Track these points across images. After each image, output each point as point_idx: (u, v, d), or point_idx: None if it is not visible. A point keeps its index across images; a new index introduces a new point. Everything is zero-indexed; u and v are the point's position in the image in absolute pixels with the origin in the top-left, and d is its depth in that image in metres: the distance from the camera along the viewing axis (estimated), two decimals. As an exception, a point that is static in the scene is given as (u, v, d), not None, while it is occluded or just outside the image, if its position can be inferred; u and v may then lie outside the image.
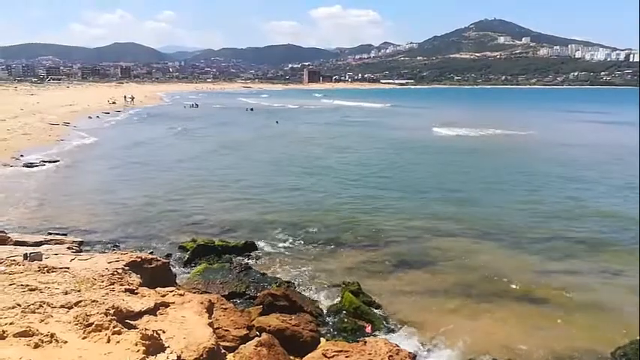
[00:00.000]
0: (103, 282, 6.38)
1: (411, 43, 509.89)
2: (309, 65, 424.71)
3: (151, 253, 11.66)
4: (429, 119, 60.60)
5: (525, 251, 13.75)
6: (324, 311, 9.87)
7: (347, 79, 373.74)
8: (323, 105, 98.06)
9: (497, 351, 8.63)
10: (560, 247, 14.03)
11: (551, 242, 14.48)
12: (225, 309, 8.48)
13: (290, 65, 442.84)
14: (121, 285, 6.37)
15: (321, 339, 8.48)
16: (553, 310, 10.23)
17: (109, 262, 8.26)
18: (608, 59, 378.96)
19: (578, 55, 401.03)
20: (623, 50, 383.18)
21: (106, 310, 4.92)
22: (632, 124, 51.87)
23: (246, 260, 12.60)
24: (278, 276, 11.58)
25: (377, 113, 74.75)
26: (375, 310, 9.94)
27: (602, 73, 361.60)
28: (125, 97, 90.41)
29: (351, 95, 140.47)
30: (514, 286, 11.35)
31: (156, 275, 8.90)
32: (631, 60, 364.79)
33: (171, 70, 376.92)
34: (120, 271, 7.50)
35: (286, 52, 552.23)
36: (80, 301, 5.33)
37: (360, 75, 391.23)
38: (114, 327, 4.57)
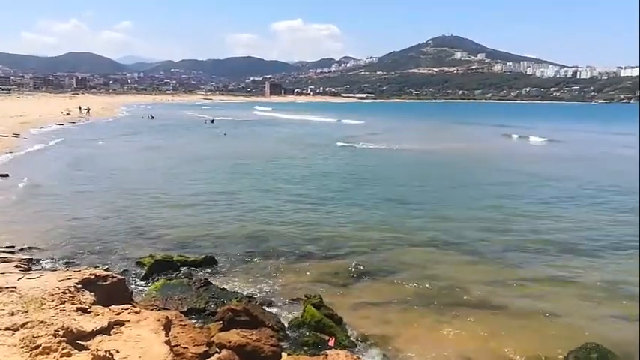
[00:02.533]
0: (52, 301, 6.09)
1: (371, 57, 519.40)
2: (270, 78, 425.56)
3: (107, 269, 11.25)
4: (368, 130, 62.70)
5: (483, 261, 14.08)
6: (286, 325, 9.75)
7: (309, 92, 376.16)
8: (260, 117, 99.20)
9: (455, 359, 8.77)
10: (516, 256, 14.44)
11: (507, 251, 14.89)
12: (184, 325, 8.25)
13: (251, 78, 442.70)
14: (73, 304, 6.10)
15: (283, 353, 8.36)
16: (511, 318, 10.48)
17: (60, 280, 7.89)
18: (557, 75, 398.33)
19: (529, 71, 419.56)
20: (570, 67, 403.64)
21: (55, 330, 4.70)
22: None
23: (205, 275, 12.34)
24: (238, 290, 11.39)
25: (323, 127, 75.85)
26: (337, 323, 9.90)
27: (552, 88, 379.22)
28: (80, 108, 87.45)
29: (301, 109, 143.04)
30: (473, 295, 11.57)
31: (111, 292, 8.58)
32: (578, 77, 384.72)
33: (129, 81, 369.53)
34: (72, 289, 7.18)
35: (247, 65, 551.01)
36: (27, 323, 5.07)
37: (321, 88, 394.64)
38: (63, 349, 4.36)
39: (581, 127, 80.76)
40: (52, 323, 5.10)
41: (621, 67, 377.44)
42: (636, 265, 13.66)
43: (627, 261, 14.21)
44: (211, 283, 11.41)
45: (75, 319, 5.44)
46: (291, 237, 15.83)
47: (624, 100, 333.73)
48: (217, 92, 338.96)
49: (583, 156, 41.02)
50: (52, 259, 13.10)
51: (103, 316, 5.74)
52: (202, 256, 13.38)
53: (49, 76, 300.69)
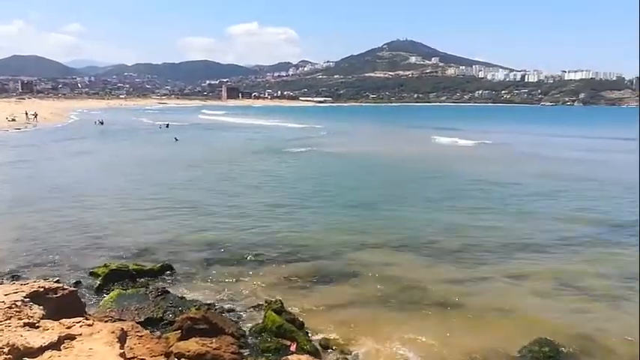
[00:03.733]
0: (-3, 317, 5.77)
1: (328, 61, 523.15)
2: (227, 82, 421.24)
3: (57, 281, 10.77)
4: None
5: (440, 261, 14.38)
6: (247, 332, 9.63)
7: (267, 96, 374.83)
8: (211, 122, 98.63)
9: (416, 357, 8.91)
10: (471, 256, 14.82)
11: (463, 252, 15.27)
12: (141, 336, 8.00)
13: (208, 81, 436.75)
14: (20, 319, 5.79)
15: (244, 361, 8.26)
16: (468, 316, 10.75)
17: (5, 295, 7.47)
18: (507, 79, 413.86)
19: (481, 74, 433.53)
20: (519, 71, 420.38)
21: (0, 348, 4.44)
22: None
23: (163, 284, 12.03)
24: (197, 298, 11.17)
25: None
26: (299, 328, 9.85)
27: (503, 91, 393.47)
28: (27, 113, 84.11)
29: (260, 113, 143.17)
30: (431, 295, 11.79)
31: (62, 305, 8.20)
32: (526, 80, 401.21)
33: (80, 85, 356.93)
34: (18, 303, 6.81)
35: (204, 68, 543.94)
36: (-31, 341, 4.77)
37: (279, 92, 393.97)
38: (9, 367, 4.13)
39: (523, 129, 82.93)
40: (-3, 341, 4.83)
41: (565, 71, 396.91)
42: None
43: (575, 257, 14.92)
44: (169, 292, 11.15)
45: (21, 335, 5.16)
46: (250, 243, 15.67)
47: (568, 103, 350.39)
48: (173, 96, 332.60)
49: (508, 157, 42.46)
50: (-3, 272, 12.42)
51: (52, 331, 5.48)
52: (159, 265, 13.04)
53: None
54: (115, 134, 60.72)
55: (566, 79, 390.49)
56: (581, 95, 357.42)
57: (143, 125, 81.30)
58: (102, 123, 78.27)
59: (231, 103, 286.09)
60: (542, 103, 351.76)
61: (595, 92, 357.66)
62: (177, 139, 52.59)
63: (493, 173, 31.83)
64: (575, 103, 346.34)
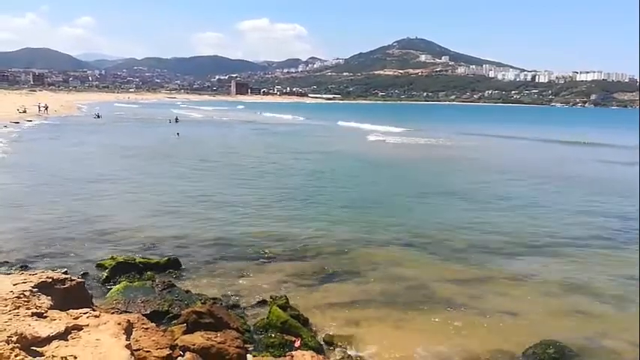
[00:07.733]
0: (6, 306, 5.82)
1: (337, 58, 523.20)
2: (236, 77, 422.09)
3: (65, 272, 10.86)
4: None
5: (446, 260, 14.34)
6: (251, 327, 9.67)
7: (276, 92, 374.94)
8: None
9: (420, 356, 8.91)
10: (477, 256, 14.78)
11: (469, 251, 15.23)
12: (147, 329, 8.04)
13: (217, 77, 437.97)
14: (28, 309, 5.84)
15: (248, 355, 8.29)
16: (473, 316, 10.72)
17: (14, 284, 7.54)
18: (517, 79, 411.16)
19: (491, 74, 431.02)
20: (530, 72, 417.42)
21: (8, 337, 4.49)
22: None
23: (169, 278, 12.09)
24: (203, 293, 11.21)
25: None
26: (303, 324, 9.87)
27: (513, 92, 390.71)
28: (38, 105, 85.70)
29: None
30: (437, 294, 11.78)
31: (70, 296, 8.27)
32: (537, 81, 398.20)
33: (90, 78, 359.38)
34: (27, 293, 6.88)
35: (213, 64, 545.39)
36: (-22, 329, 4.83)
37: (288, 88, 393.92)
38: (16, 356, 4.18)
39: (495, 131, 76.71)
40: (5, 329, 4.87)
41: (577, 72, 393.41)
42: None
43: (580, 258, 14.81)
44: (175, 286, 11.19)
45: (30, 325, 5.21)
46: (256, 239, 15.68)
47: (579, 104, 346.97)
48: (182, 91, 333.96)
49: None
50: (7, 262, 12.57)
51: (59, 321, 5.52)
52: (166, 259, 13.10)
53: (3, 72, 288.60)
54: (125, 128, 60.78)
55: (577, 80, 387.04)
56: (593, 97, 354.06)
57: (144, 119, 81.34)
58: (99, 116, 79.23)
59: (241, 98, 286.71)
60: (552, 104, 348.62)
61: (607, 94, 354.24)
62: (178, 134, 52.22)
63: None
64: (587, 105, 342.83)
